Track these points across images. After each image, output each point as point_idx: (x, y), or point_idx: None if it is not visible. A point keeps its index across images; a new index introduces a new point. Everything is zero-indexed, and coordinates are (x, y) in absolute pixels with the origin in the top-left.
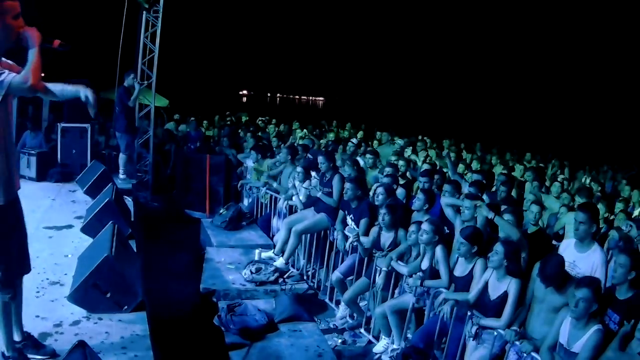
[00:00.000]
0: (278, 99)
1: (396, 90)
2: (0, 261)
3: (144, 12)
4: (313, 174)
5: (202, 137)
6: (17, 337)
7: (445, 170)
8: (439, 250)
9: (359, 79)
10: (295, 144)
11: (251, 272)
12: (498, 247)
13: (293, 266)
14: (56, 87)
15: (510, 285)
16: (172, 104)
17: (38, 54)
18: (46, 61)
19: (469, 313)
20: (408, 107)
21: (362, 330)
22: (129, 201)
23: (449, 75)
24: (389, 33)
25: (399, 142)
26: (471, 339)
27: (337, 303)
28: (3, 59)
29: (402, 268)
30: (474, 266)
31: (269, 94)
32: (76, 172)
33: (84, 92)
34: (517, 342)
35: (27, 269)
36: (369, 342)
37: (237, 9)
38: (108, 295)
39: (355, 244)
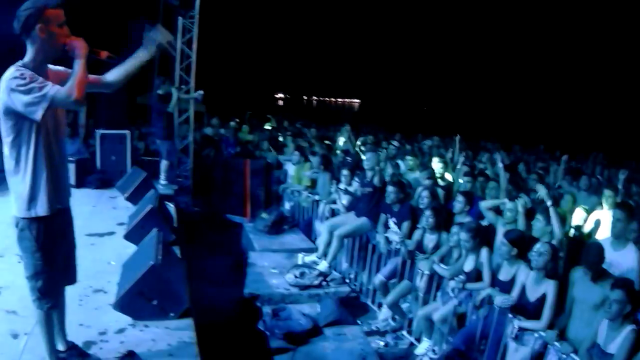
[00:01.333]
0: (314, 101)
1: (435, 91)
2: (42, 271)
3: (180, 17)
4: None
5: (241, 141)
6: (61, 347)
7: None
8: (484, 252)
9: (394, 80)
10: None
11: (295, 276)
12: (544, 248)
13: (335, 269)
14: (119, 74)
15: (548, 287)
16: (209, 109)
17: (83, 65)
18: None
19: (509, 315)
20: (447, 108)
21: (404, 332)
22: (170, 207)
23: (490, 76)
24: (426, 32)
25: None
26: (512, 340)
27: (379, 305)
28: (51, 66)
29: (444, 271)
30: (517, 270)
31: (305, 97)
32: (115, 179)
33: (149, 47)
34: (557, 343)
35: (72, 279)
36: (411, 344)
37: (272, 12)
38: (154, 302)
39: (398, 246)
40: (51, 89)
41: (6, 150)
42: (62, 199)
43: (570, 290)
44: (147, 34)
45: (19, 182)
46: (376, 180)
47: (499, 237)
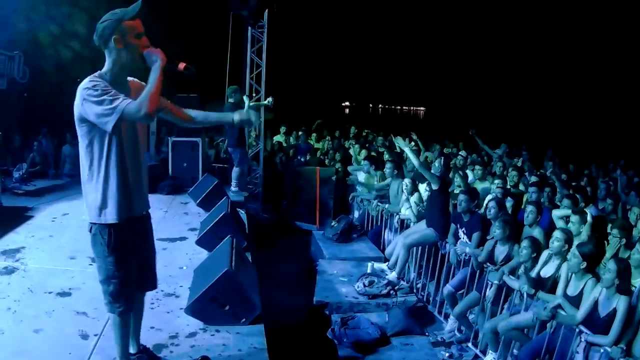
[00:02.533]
0: (380, 109)
1: (501, 98)
2: (114, 275)
3: (249, 27)
4: (423, 186)
5: (310, 150)
6: (132, 349)
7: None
8: (564, 266)
9: (460, 88)
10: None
11: (364, 285)
12: (611, 265)
13: (402, 279)
14: (203, 118)
15: (619, 302)
16: (277, 117)
17: (158, 79)
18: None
19: (577, 330)
20: (513, 116)
21: (469, 344)
22: (242, 214)
23: (561, 85)
24: (492, 39)
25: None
26: (578, 355)
27: (446, 316)
28: (131, 78)
29: (514, 282)
30: (585, 285)
31: (371, 105)
32: (187, 185)
33: (237, 117)
34: None
35: (152, 286)
36: (475, 356)
37: (338, 22)
38: (226, 308)
39: (469, 257)
40: (122, 102)
41: (81, 156)
42: (136, 207)
43: (638, 306)
44: (242, 112)
45: (92, 187)
46: (445, 189)
47: (573, 249)
